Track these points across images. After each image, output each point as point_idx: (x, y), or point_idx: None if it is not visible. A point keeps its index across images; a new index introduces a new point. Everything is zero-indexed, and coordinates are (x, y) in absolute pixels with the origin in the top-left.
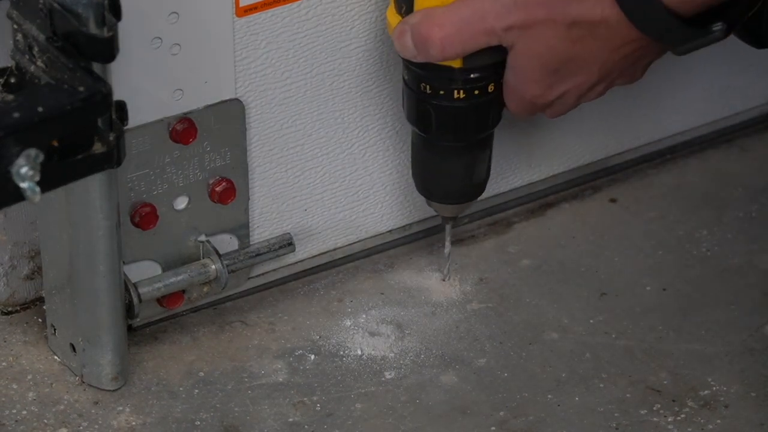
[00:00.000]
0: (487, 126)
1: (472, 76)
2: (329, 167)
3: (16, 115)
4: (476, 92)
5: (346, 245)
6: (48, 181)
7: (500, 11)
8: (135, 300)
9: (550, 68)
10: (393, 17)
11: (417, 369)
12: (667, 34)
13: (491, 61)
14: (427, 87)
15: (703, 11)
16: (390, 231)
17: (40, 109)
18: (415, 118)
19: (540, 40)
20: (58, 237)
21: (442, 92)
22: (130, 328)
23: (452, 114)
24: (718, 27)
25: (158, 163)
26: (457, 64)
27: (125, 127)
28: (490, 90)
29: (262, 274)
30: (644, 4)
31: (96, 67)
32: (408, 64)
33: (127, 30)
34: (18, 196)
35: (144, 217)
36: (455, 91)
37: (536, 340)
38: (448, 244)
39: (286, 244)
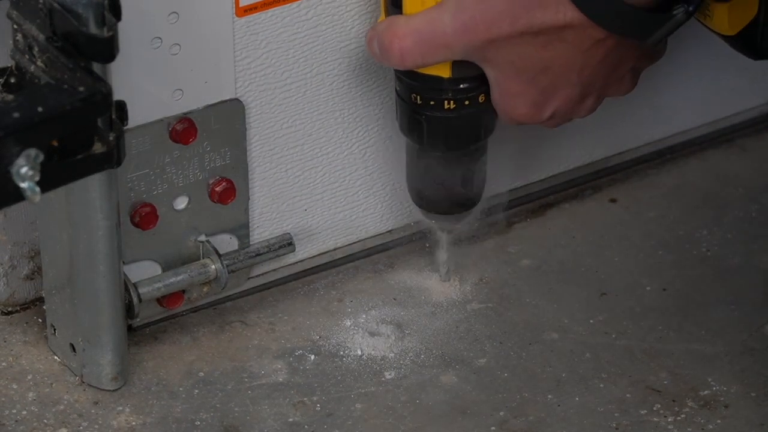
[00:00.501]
0: (479, 136)
1: (461, 86)
2: (329, 167)
3: (16, 115)
4: (467, 102)
5: (346, 245)
6: (48, 181)
7: (459, 29)
8: (135, 300)
9: (526, 78)
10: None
11: (417, 369)
12: (629, 26)
13: (481, 71)
14: (418, 97)
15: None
16: (390, 231)
17: (40, 109)
18: (407, 128)
19: (510, 51)
20: (58, 237)
21: (432, 102)
22: (130, 328)
23: (443, 124)
24: (679, 9)
25: (158, 163)
26: (446, 74)
27: (125, 127)
28: (480, 100)
29: (262, 274)
30: (603, 3)
31: (96, 67)
32: (399, 74)
33: (127, 30)
34: (18, 196)
35: (144, 217)
36: (445, 102)
37: (536, 340)
38: (444, 253)
39: (286, 244)
